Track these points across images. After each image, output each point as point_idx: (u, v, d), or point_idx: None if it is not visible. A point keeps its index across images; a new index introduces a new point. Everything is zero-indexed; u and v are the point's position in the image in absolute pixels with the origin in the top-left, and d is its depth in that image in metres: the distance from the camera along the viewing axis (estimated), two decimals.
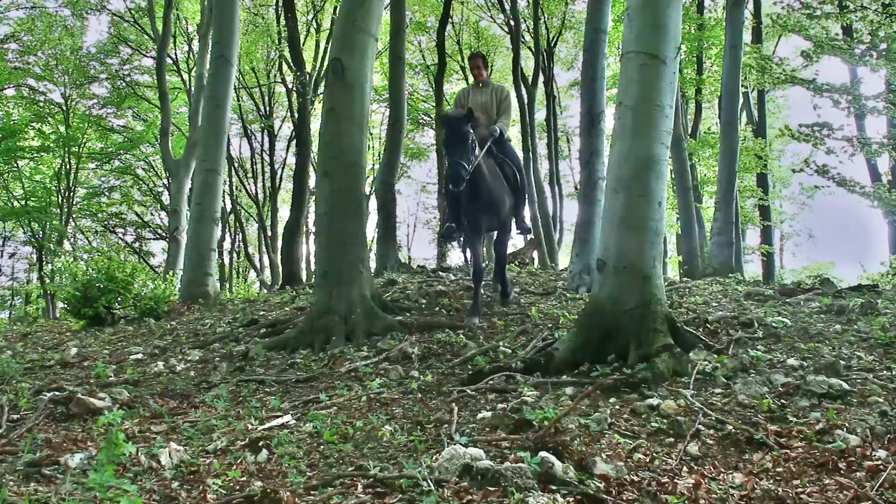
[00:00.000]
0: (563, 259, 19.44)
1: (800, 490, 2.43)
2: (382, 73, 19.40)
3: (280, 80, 23.32)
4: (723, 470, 2.69)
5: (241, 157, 27.41)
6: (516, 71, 20.00)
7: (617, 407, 3.60)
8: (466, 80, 25.74)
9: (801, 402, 3.48)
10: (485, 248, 12.38)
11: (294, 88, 20.27)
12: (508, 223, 6.67)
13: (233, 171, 25.31)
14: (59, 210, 24.95)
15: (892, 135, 12.30)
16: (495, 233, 7.21)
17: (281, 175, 25.94)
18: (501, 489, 2.34)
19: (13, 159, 23.59)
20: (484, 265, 6.79)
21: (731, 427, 3.09)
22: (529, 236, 11.32)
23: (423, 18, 23.30)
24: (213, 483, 2.67)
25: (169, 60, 21.45)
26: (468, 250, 6.95)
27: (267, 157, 26.12)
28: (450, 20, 20.95)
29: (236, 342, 6.34)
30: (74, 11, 22.46)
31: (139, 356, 6.03)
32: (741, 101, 14.94)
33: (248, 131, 25.70)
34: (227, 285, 26.04)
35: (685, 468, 2.71)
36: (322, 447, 3.17)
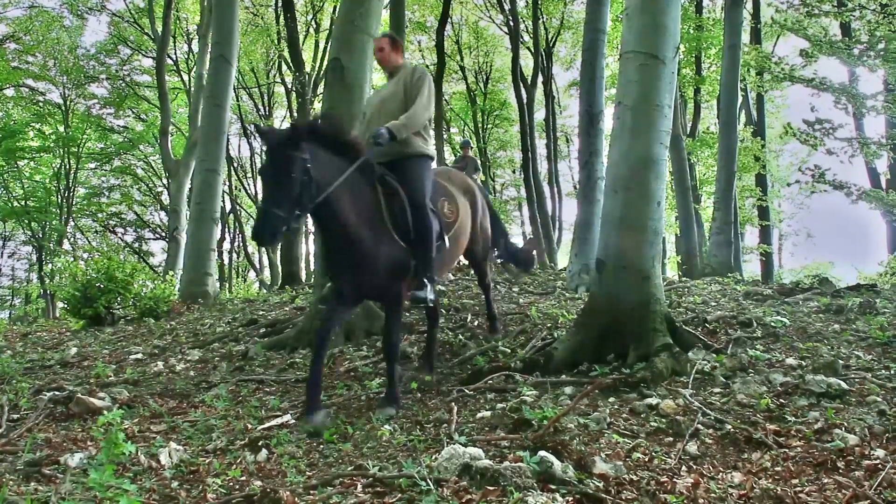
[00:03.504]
0: (563, 259, 19.44)
1: (798, 489, 2.43)
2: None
3: (279, 81, 23.32)
4: (721, 469, 2.70)
5: (240, 157, 27.41)
6: (515, 71, 20.01)
7: (616, 406, 3.61)
8: (466, 79, 25.80)
9: (800, 402, 3.49)
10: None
11: (293, 88, 20.28)
12: (398, 293, 3.96)
13: (232, 171, 25.30)
14: (58, 210, 24.94)
15: (891, 135, 12.30)
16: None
17: None
18: (501, 488, 2.35)
19: (13, 159, 23.57)
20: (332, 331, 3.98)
21: (729, 426, 3.10)
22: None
23: (423, 18, 23.30)
24: (213, 482, 2.67)
25: (169, 60, 21.46)
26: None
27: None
28: (449, 20, 20.97)
29: (236, 342, 6.34)
30: (73, 11, 22.45)
31: (139, 356, 6.04)
32: (740, 100, 14.93)
33: (248, 131, 25.69)
34: (227, 285, 26.03)
35: (684, 467, 2.72)
36: (321, 447, 3.17)
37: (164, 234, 26.38)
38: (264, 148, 3.68)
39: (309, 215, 3.61)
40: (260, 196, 4.26)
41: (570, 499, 2.33)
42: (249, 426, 3.55)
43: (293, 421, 3.65)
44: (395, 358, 3.93)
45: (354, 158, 3.76)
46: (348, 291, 3.89)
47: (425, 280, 3.92)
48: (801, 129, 11.55)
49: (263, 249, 24.64)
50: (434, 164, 4.33)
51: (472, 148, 13.62)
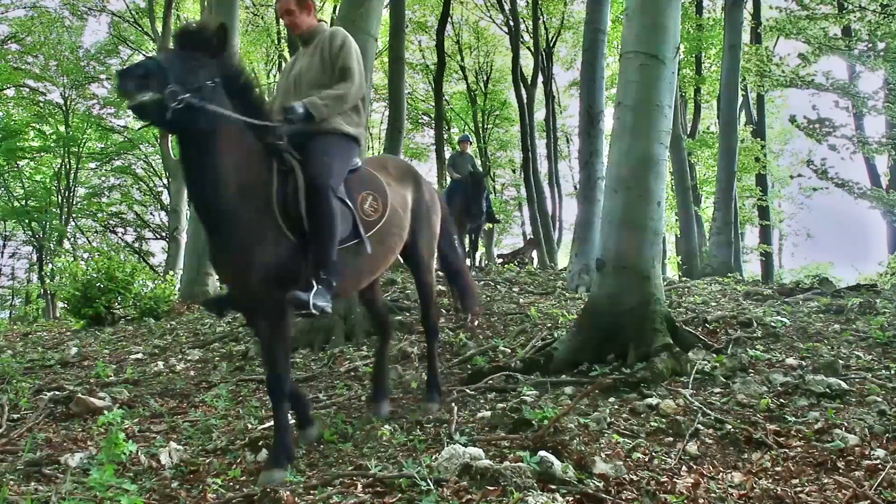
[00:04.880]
0: (563, 259, 19.44)
1: (798, 489, 2.43)
2: (382, 72, 19.40)
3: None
4: (722, 469, 2.70)
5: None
6: (515, 71, 20.01)
7: (616, 406, 3.61)
8: (466, 79, 25.80)
9: (800, 402, 3.49)
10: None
11: None
12: (278, 306, 2.96)
13: None
14: (59, 210, 24.93)
15: (891, 134, 12.31)
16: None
17: None
18: (501, 488, 2.35)
19: (13, 159, 23.57)
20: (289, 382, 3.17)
21: (729, 426, 3.10)
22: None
23: (423, 18, 23.30)
24: (213, 482, 2.67)
25: None
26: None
27: None
28: (449, 20, 20.97)
29: (236, 342, 6.35)
30: (74, 12, 22.46)
31: (139, 356, 6.04)
32: (740, 101, 14.93)
33: None
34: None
35: (684, 467, 2.72)
36: (321, 447, 3.17)
37: (164, 234, 26.37)
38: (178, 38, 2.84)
39: (179, 139, 2.87)
40: None
41: (570, 499, 2.33)
42: (249, 426, 3.55)
43: (293, 421, 3.65)
44: (282, 395, 2.96)
45: (261, 128, 2.98)
46: (230, 284, 3.07)
47: (315, 281, 2.96)
48: (805, 125, 11.53)
49: None
50: (357, 150, 3.48)
51: (471, 143, 13.49)
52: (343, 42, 3.42)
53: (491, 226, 13.62)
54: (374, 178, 3.50)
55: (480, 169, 12.47)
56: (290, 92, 3.46)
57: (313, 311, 2.92)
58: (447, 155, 21.13)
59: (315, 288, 2.95)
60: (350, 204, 3.24)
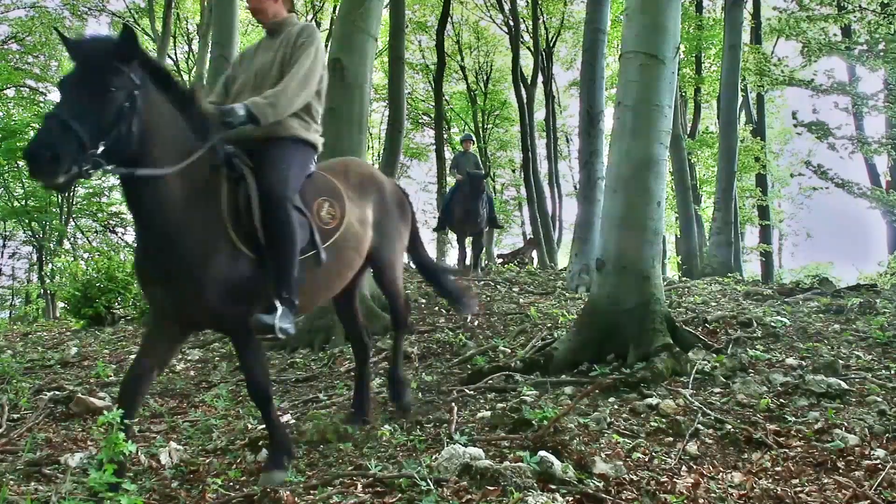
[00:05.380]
0: (563, 259, 19.44)
1: (798, 489, 2.43)
2: (382, 72, 19.41)
3: None
4: (722, 469, 2.70)
5: None
6: (515, 71, 20.01)
7: (616, 406, 3.61)
8: (466, 79, 25.80)
9: (800, 402, 3.49)
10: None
11: None
12: (240, 321, 2.76)
13: None
14: (58, 210, 24.93)
15: (891, 135, 12.31)
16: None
17: None
18: (501, 488, 2.35)
19: (13, 159, 23.57)
20: None
21: (729, 426, 3.10)
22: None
23: (423, 18, 23.30)
24: (213, 482, 2.67)
25: (169, 60, 21.45)
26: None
27: None
28: (449, 20, 20.97)
29: None
30: (74, 12, 22.46)
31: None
32: (740, 101, 14.93)
33: None
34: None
35: (684, 467, 2.72)
36: (321, 447, 3.17)
37: None
38: (76, 58, 2.41)
39: (120, 184, 2.57)
40: None
41: (570, 499, 2.33)
42: (249, 426, 3.55)
43: (293, 421, 3.65)
44: (268, 401, 2.83)
45: (200, 130, 2.68)
46: (168, 314, 2.75)
47: (277, 302, 2.72)
48: (805, 123, 11.53)
49: None
50: (313, 156, 3.22)
51: (473, 143, 13.03)
52: (308, 38, 3.11)
53: (489, 229, 12.93)
54: (331, 185, 3.21)
55: (482, 168, 11.84)
56: (246, 90, 3.12)
57: (279, 336, 2.69)
58: (447, 155, 21.15)
59: (279, 309, 2.70)
60: (306, 212, 2.96)
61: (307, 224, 2.94)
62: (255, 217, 2.74)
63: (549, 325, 5.85)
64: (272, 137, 3.01)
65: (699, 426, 3.14)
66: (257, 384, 2.81)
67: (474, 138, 14.21)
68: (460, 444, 2.86)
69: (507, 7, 20.92)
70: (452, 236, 15.33)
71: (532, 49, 21.18)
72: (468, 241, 11.45)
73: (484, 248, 11.55)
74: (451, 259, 20.94)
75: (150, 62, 2.54)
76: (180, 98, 2.64)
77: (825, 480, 2.51)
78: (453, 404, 3.74)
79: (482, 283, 9.18)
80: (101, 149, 2.27)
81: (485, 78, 26.57)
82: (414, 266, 4.21)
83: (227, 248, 2.66)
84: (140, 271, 2.76)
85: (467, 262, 11.40)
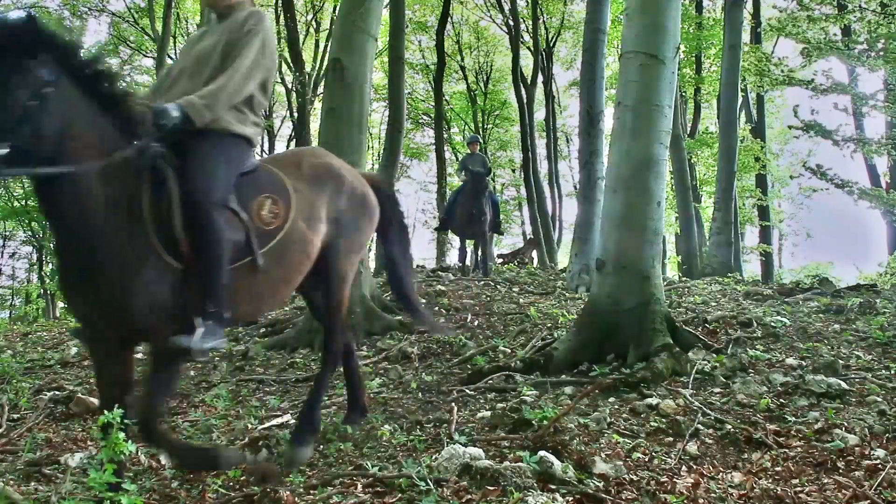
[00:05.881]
0: (563, 259, 19.44)
1: (798, 489, 2.43)
2: (382, 72, 19.42)
3: (279, 80, 23.32)
4: (722, 469, 2.70)
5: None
6: (515, 71, 20.01)
7: (616, 406, 3.61)
8: (466, 79, 25.81)
9: (800, 402, 3.49)
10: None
11: (293, 88, 20.28)
12: (161, 337, 2.50)
13: None
14: None
15: (891, 135, 12.31)
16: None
17: None
18: (501, 488, 2.35)
19: None
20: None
21: (729, 426, 3.10)
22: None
23: (423, 18, 23.30)
24: (213, 482, 2.67)
25: (169, 60, 21.43)
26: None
27: None
28: (449, 20, 20.97)
29: (236, 342, 6.34)
30: (74, 12, 22.46)
31: (139, 356, 6.03)
32: (740, 101, 14.93)
33: None
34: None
35: (684, 467, 2.72)
36: (321, 446, 3.17)
37: None
38: None
39: (31, 184, 2.43)
40: None
41: (570, 499, 2.33)
42: (249, 426, 3.55)
43: (293, 421, 3.65)
44: (151, 425, 2.44)
45: (127, 131, 2.46)
46: (96, 328, 2.51)
47: (199, 320, 2.47)
48: (805, 120, 11.49)
49: None
50: (250, 151, 2.94)
51: (479, 144, 12.68)
52: (253, 28, 2.84)
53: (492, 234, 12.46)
54: (275, 180, 2.89)
55: (489, 168, 11.45)
56: (184, 78, 2.87)
57: (197, 358, 2.51)
58: (447, 155, 21.16)
59: (201, 328, 2.46)
60: (243, 213, 2.67)
61: (242, 227, 2.65)
62: (175, 222, 2.47)
63: (549, 325, 5.85)
64: (200, 131, 2.68)
65: (699, 426, 3.14)
66: (148, 406, 2.44)
67: (480, 139, 13.90)
68: (460, 444, 2.86)
69: (507, 7, 20.92)
70: (456, 239, 15.21)
71: (532, 49, 21.17)
72: (470, 242, 11.21)
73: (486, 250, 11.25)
74: (451, 260, 20.94)
75: (69, 56, 2.32)
76: (106, 96, 2.42)
77: (825, 480, 2.51)
78: (453, 404, 3.74)
79: (482, 283, 9.18)
80: (4, 150, 2.09)
81: (485, 78, 26.58)
82: (386, 273, 3.73)
83: (148, 258, 2.41)
84: (61, 283, 2.53)
85: (467, 262, 11.30)
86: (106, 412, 2.23)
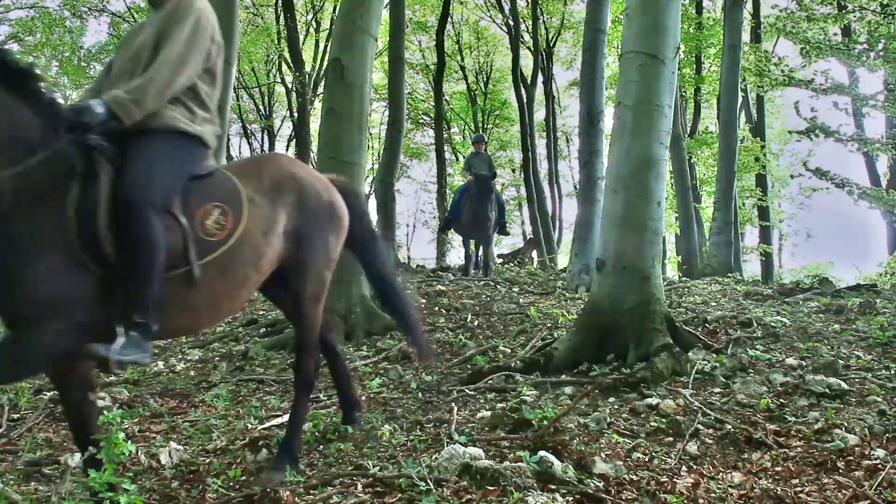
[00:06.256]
0: (563, 259, 19.44)
1: (798, 489, 2.43)
2: (382, 72, 19.43)
3: (280, 80, 23.33)
4: (722, 469, 2.70)
5: (240, 157, 27.40)
6: (515, 71, 20.01)
7: (616, 406, 3.61)
8: (466, 79, 25.83)
9: (800, 402, 3.49)
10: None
11: (293, 88, 20.29)
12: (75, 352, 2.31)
13: None
14: None
15: (891, 135, 12.31)
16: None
17: None
18: (501, 488, 2.35)
19: None
20: None
21: (729, 426, 3.10)
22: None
23: (423, 18, 23.30)
24: (213, 482, 2.67)
25: None
26: None
27: None
28: (449, 20, 20.97)
29: (236, 342, 6.34)
30: (74, 12, 22.47)
31: None
32: (740, 101, 14.94)
33: (248, 131, 25.70)
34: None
35: (684, 467, 2.72)
36: (321, 446, 3.17)
37: None
38: None
39: None
40: None
41: (570, 499, 2.33)
42: (249, 426, 3.55)
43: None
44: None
45: (47, 129, 2.27)
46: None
47: (121, 329, 2.29)
48: (808, 118, 11.50)
49: None
50: (202, 152, 2.71)
51: (485, 143, 12.20)
52: (183, 13, 2.61)
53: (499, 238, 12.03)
54: (229, 187, 2.68)
55: (495, 169, 11.16)
56: (124, 71, 2.66)
57: (117, 370, 2.31)
58: (447, 155, 21.16)
59: (123, 339, 2.27)
60: (183, 219, 2.46)
61: (180, 234, 2.44)
62: (98, 223, 2.25)
63: (549, 325, 5.85)
64: (144, 129, 2.51)
65: (699, 426, 3.14)
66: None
67: (486, 139, 13.43)
68: (460, 444, 2.86)
69: (507, 7, 20.93)
70: (457, 239, 15.09)
71: (532, 49, 21.18)
72: (473, 243, 11.01)
73: (487, 252, 11.07)
74: (451, 260, 20.94)
75: None
76: (23, 94, 2.24)
77: (825, 480, 2.51)
78: (453, 404, 3.74)
79: (482, 283, 9.18)
80: None
81: (485, 78, 26.59)
82: (370, 284, 3.49)
83: (64, 260, 2.20)
84: None
85: (470, 263, 11.03)
86: (106, 413, 2.23)
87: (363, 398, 4.14)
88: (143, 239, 2.30)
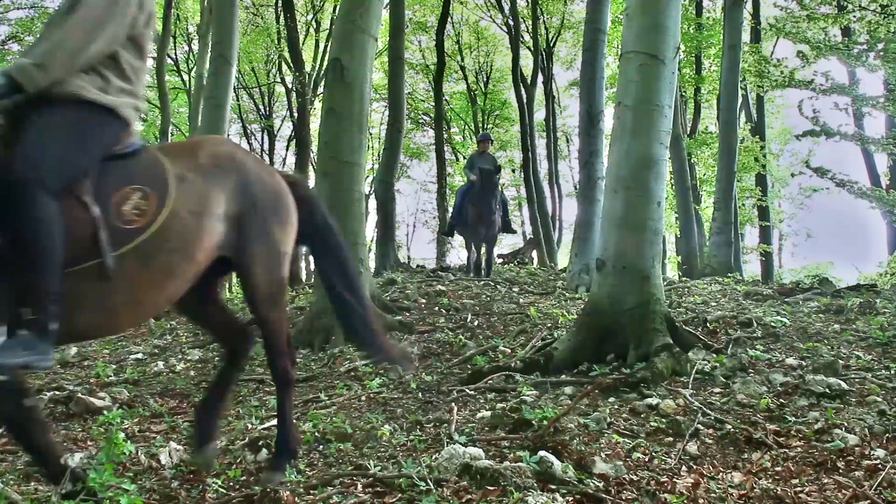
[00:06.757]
0: (563, 259, 19.44)
1: (798, 489, 2.43)
2: (382, 72, 19.43)
3: (280, 80, 23.34)
4: (722, 469, 2.70)
5: None
6: (515, 71, 20.01)
7: (616, 406, 3.61)
8: (466, 79, 25.83)
9: (800, 402, 3.49)
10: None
11: (293, 88, 20.30)
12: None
13: None
14: None
15: (891, 135, 12.31)
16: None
17: None
18: (500, 488, 2.35)
19: None
20: None
21: (729, 426, 3.10)
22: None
23: (423, 18, 23.31)
24: (213, 482, 2.67)
25: (169, 60, 21.46)
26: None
27: (267, 157, 26.15)
28: (449, 20, 20.98)
29: None
30: None
31: (139, 356, 6.04)
32: (740, 101, 14.94)
33: (248, 131, 25.71)
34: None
35: (684, 467, 2.72)
36: (321, 446, 3.17)
37: None
38: None
39: None
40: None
41: (570, 499, 2.33)
42: (249, 426, 3.55)
43: (293, 421, 3.65)
44: None
45: None
46: None
47: (9, 326, 2.01)
48: (812, 117, 11.48)
49: None
50: (115, 126, 2.33)
51: (491, 142, 11.74)
52: None
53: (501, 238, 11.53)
54: (154, 168, 2.34)
55: (499, 166, 10.80)
56: (37, 42, 2.39)
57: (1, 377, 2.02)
58: (447, 155, 21.16)
59: (3, 338, 1.98)
60: (94, 206, 2.15)
61: (89, 222, 2.14)
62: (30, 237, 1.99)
63: (549, 325, 5.85)
64: (48, 100, 2.20)
65: (699, 426, 3.14)
66: None
67: (492, 137, 12.82)
68: (460, 444, 2.86)
69: (507, 7, 20.93)
70: (457, 239, 14.92)
71: (532, 49, 21.19)
72: (477, 246, 10.55)
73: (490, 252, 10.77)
74: (451, 260, 20.94)
75: None
76: None
77: (825, 480, 2.51)
78: (453, 404, 3.74)
79: (482, 283, 9.18)
80: None
81: (485, 78, 26.60)
82: (324, 287, 3.07)
83: None
84: None
85: (472, 264, 10.77)
86: (106, 413, 2.23)
87: (363, 398, 4.14)
88: (31, 224, 2.00)
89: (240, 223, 2.51)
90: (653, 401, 3.53)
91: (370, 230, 16.69)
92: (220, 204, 2.45)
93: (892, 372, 3.97)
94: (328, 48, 15.79)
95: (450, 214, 11.61)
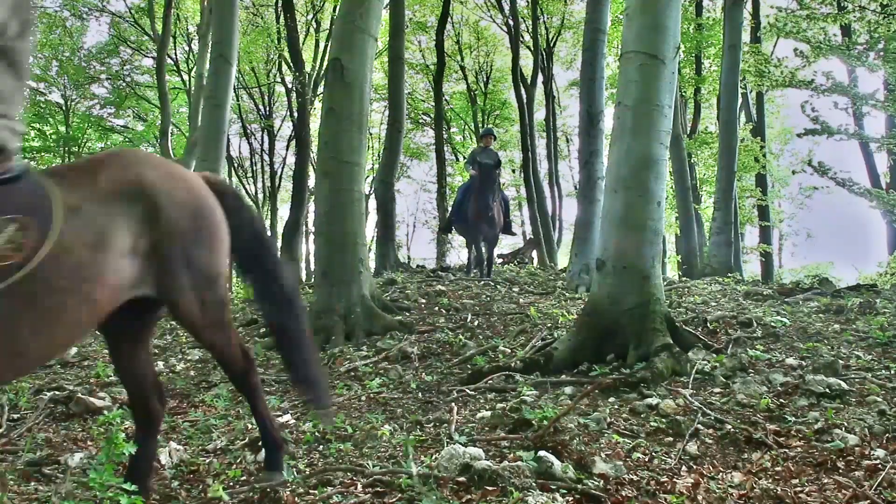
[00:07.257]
0: (563, 259, 19.44)
1: (798, 489, 2.43)
2: (382, 72, 19.43)
3: (280, 80, 23.33)
4: (722, 469, 2.70)
5: (240, 157, 27.42)
6: (515, 71, 20.01)
7: (616, 406, 3.61)
8: (466, 79, 25.84)
9: (800, 402, 3.49)
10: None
11: (293, 88, 20.29)
12: None
13: (232, 170, 25.31)
14: None
15: (891, 134, 12.32)
16: None
17: (280, 175, 25.97)
18: (500, 488, 2.35)
19: None
20: None
21: (729, 426, 3.10)
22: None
23: (423, 18, 23.32)
24: (213, 482, 2.67)
25: (169, 60, 21.45)
26: None
27: (266, 157, 26.17)
28: (449, 20, 20.98)
29: None
30: (74, 13, 22.47)
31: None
32: (740, 101, 14.95)
33: (248, 131, 25.71)
34: (227, 285, 25.99)
35: (684, 467, 2.72)
36: (321, 446, 3.17)
37: None
38: None
39: None
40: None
41: (570, 498, 2.33)
42: (249, 426, 3.55)
43: (293, 421, 3.65)
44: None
45: None
46: None
47: None
48: (813, 116, 11.46)
49: None
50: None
51: (494, 138, 11.38)
52: None
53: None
54: (35, 196, 2.01)
55: (499, 160, 10.31)
56: None
57: None
58: (447, 155, 21.16)
59: None
60: None
61: None
62: None
63: (549, 325, 5.85)
64: None
65: (699, 426, 3.14)
66: None
67: (495, 133, 12.52)
68: (460, 444, 2.86)
69: (507, 7, 20.93)
70: (457, 239, 14.85)
71: (532, 49, 21.18)
72: (475, 245, 10.36)
73: (491, 252, 10.60)
74: (451, 260, 20.94)
75: None
76: None
77: (825, 480, 2.51)
78: (453, 404, 3.74)
79: (482, 283, 9.17)
80: None
81: (485, 78, 26.59)
82: (258, 307, 2.87)
83: None
84: None
85: (472, 264, 10.70)
86: (106, 413, 2.22)
87: (363, 398, 4.14)
88: None
89: (156, 256, 2.20)
90: (653, 401, 3.53)
91: (370, 230, 16.70)
92: (126, 237, 2.13)
93: (892, 372, 3.97)
94: (328, 48, 15.78)
95: (449, 211, 11.54)
